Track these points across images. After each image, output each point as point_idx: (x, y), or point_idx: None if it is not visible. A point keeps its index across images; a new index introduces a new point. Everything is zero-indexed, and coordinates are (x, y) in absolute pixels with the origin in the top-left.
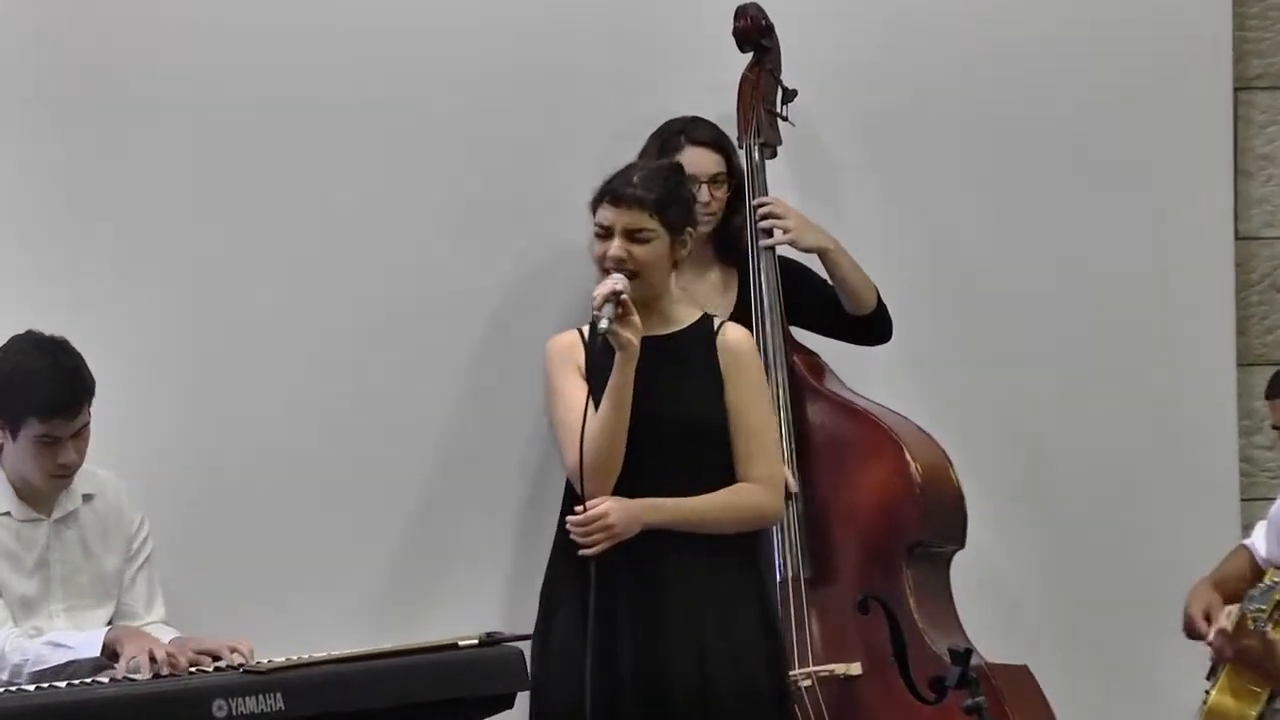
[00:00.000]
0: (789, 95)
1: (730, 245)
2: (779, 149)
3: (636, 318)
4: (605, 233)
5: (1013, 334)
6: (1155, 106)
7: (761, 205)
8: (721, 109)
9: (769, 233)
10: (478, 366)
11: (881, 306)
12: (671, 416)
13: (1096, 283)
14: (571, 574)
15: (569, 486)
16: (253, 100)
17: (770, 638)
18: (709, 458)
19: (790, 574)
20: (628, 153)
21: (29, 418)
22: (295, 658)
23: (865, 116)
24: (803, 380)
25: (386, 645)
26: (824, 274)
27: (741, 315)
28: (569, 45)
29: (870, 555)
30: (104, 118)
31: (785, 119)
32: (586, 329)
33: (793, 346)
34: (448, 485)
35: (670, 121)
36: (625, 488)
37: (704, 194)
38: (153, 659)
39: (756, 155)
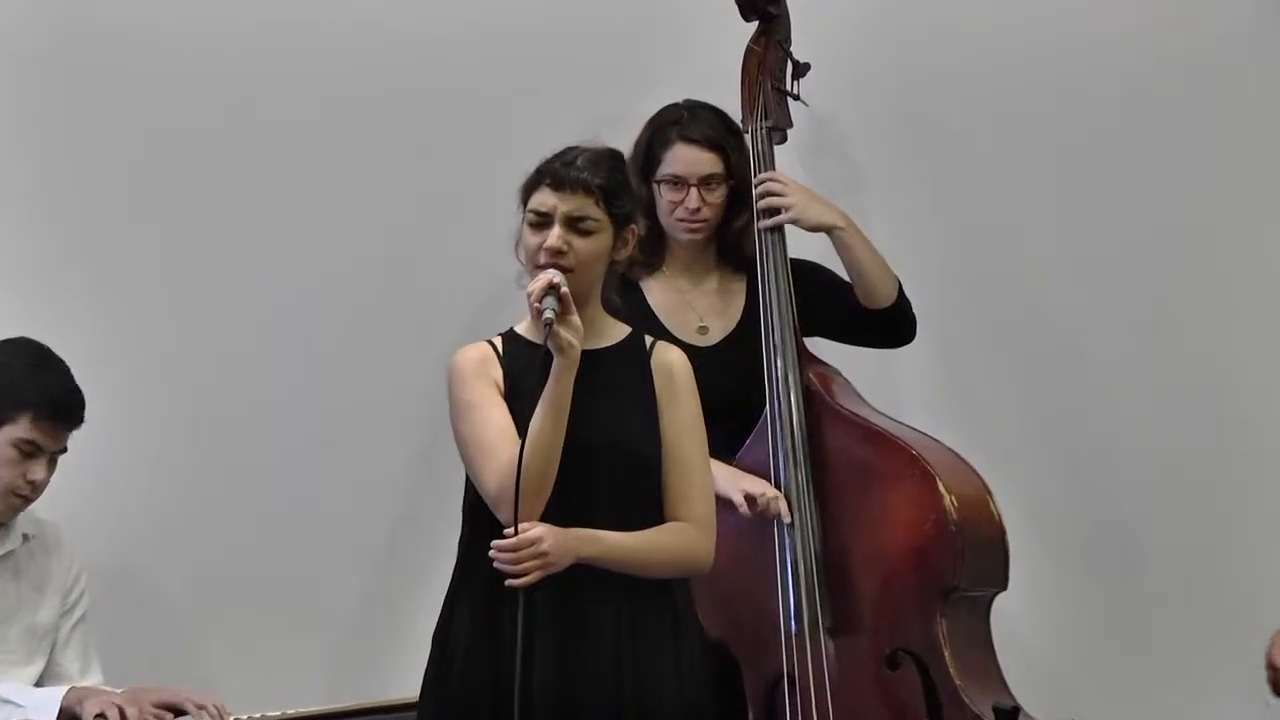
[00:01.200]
0: (800, 70)
1: (733, 251)
2: (789, 132)
3: (576, 318)
4: (542, 220)
5: (1063, 348)
6: (1222, 104)
7: (760, 184)
8: (721, 92)
9: (770, 213)
10: None
11: (903, 300)
12: (602, 443)
13: (1160, 294)
14: (473, 612)
15: (471, 515)
16: (241, 101)
17: (686, 678)
18: (639, 490)
19: (806, 623)
20: (616, 146)
21: (21, 415)
22: (246, 717)
23: (890, 95)
24: (819, 399)
25: (350, 701)
26: (842, 272)
27: (749, 328)
28: (559, 38)
29: (900, 602)
30: (71, 133)
31: (796, 97)
32: (499, 341)
33: (807, 361)
34: (417, 536)
35: (667, 109)
36: (548, 520)
37: (693, 198)
38: (123, 717)
39: (764, 140)
